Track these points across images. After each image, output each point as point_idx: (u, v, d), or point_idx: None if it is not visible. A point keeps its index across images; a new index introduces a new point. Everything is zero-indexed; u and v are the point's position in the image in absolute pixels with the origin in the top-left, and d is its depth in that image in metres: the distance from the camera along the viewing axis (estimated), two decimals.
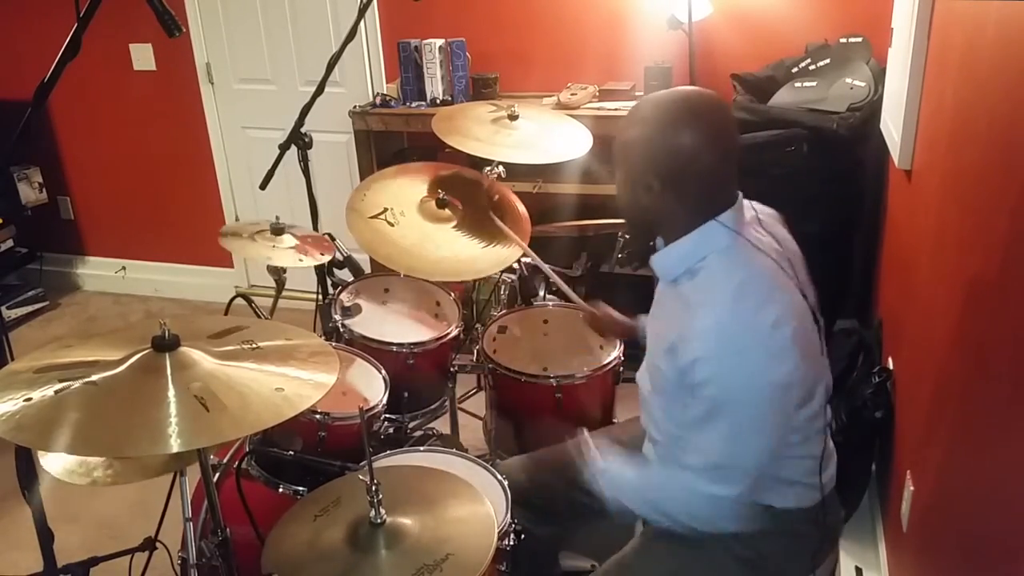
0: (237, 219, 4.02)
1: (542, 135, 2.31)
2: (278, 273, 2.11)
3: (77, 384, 1.18)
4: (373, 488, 1.28)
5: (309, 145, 2.20)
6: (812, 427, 1.45)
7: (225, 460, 1.77)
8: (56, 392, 1.16)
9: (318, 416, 1.71)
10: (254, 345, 1.34)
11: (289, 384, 1.26)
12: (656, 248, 1.47)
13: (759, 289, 1.34)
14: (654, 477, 1.50)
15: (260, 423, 1.18)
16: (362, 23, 2.13)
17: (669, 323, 1.42)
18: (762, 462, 1.37)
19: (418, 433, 2.13)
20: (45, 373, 1.21)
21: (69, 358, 1.27)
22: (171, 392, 1.17)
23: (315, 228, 2.29)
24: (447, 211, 2.15)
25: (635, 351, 2.04)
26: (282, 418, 1.19)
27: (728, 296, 1.32)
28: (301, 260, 2.03)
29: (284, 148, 2.17)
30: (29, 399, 1.14)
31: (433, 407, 2.17)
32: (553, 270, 2.13)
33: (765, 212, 1.52)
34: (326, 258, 2.09)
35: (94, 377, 1.20)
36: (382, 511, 1.29)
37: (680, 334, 1.35)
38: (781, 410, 1.35)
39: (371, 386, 1.90)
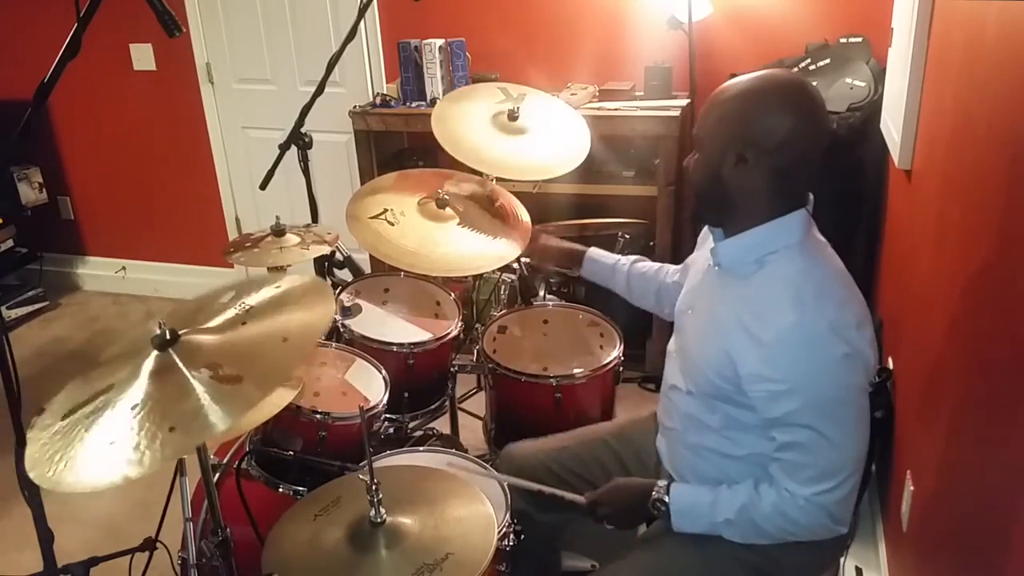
0: (237, 219, 4.03)
1: (543, 136, 2.29)
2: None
3: (107, 411, 1.18)
4: (373, 488, 1.28)
5: (309, 145, 2.19)
6: None
7: (225, 460, 1.77)
8: (86, 430, 1.16)
9: (318, 416, 1.71)
10: (247, 306, 1.33)
11: (292, 329, 1.25)
12: (711, 238, 1.46)
13: (840, 286, 1.32)
14: (740, 502, 1.39)
15: (281, 376, 1.20)
16: (362, 23, 2.13)
17: (730, 324, 1.35)
18: (862, 457, 1.34)
19: (418, 433, 2.13)
20: (71, 416, 1.20)
21: (86, 394, 1.26)
22: (191, 381, 1.17)
23: None
24: (447, 210, 2.15)
25: (634, 351, 2.06)
26: (299, 361, 1.20)
27: (810, 295, 1.28)
28: (306, 252, 2.02)
29: (284, 148, 2.17)
30: (69, 443, 1.15)
31: (433, 407, 2.17)
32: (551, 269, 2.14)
33: None
34: (330, 249, 2.09)
35: (120, 399, 1.19)
36: (382, 511, 1.29)
37: (752, 339, 1.30)
38: (866, 404, 1.33)
39: (371, 386, 1.90)
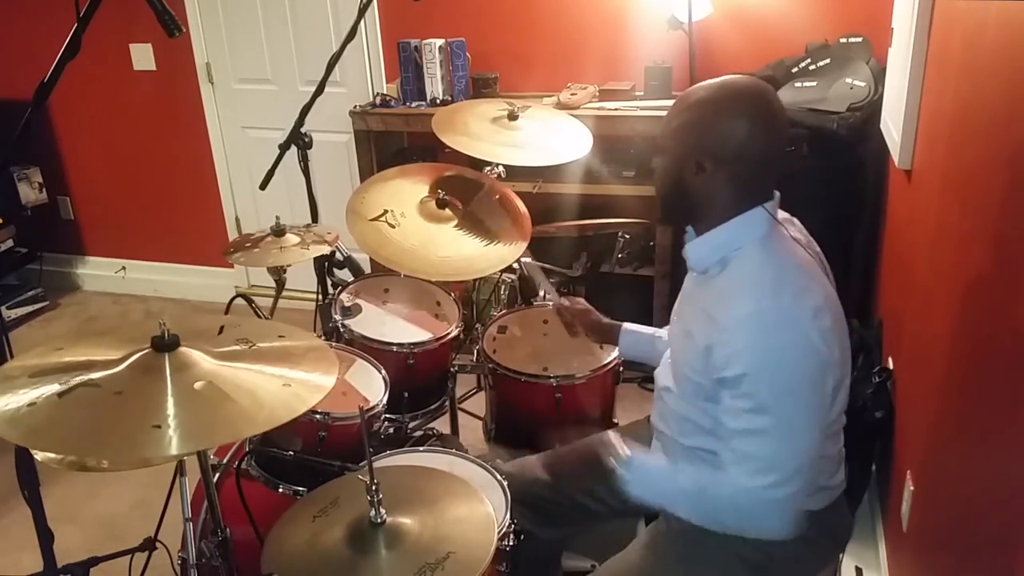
0: (237, 219, 4.03)
1: (543, 136, 2.31)
2: (278, 273, 2.11)
3: (79, 386, 1.17)
4: (373, 488, 1.28)
5: (309, 145, 2.19)
6: (831, 428, 1.44)
7: (225, 460, 1.77)
8: (59, 395, 1.16)
9: (318, 416, 1.71)
10: (251, 344, 1.34)
11: (293, 381, 1.26)
12: (685, 240, 1.46)
13: (798, 277, 1.33)
14: (701, 480, 1.40)
15: (274, 419, 1.18)
16: (362, 23, 2.13)
17: (699, 320, 1.38)
18: (812, 456, 1.34)
19: (418, 433, 2.13)
20: (43, 376, 1.20)
21: (64, 359, 1.26)
22: (178, 391, 1.18)
23: None
24: (447, 211, 2.15)
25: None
26: (295, 413, 1.19)
27: (767, 284, 1.30)
28: (306, 252, 2.02)
29: (284, 148, 2.17)
30: (33, 403, 1.14)
31: (433, 407, 2.17)
32: (550, 268, 2.13)
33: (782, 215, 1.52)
34: (330, 248, 2.09)
35: (95, 376, 1.19)
36: (382, 511, 1.29)
37: (715, 328, 1.32)
38: (821, 401, 1.33)
39: (371, 386, 1.89)
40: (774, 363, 1.29)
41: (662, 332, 1.79)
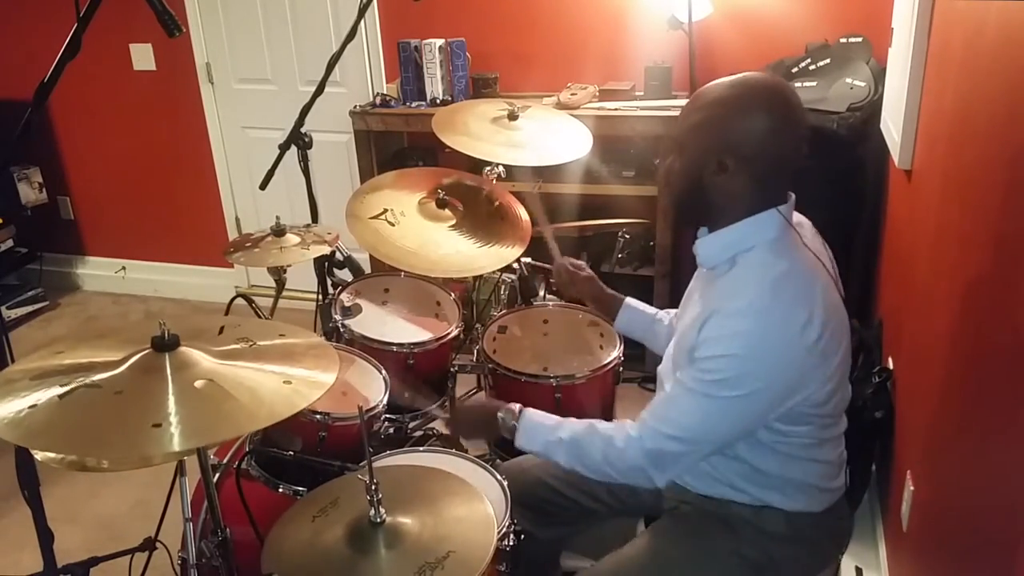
0: (237, 219, 4.03)
1: (543, 136, 2.31)
2: (278, 273, 2.11)
3: (79, 387, 1.18)
4: (373, 487, 1.28)
5: (309, 145, 2.19)
6: (828, 433, 1.44)
7: (225, 460, 1.77)
8: (60, 397, 1.16)
9: (318, 416, 1.71)
10: (252, 343, 1.34)
11: (294, 378, 1.26)
12: (697, 236, 1.46)
13: (797, 284, 1.33)
14: (580, 431, 1.46)
15: (275, 415, 1.17)
16: (362, 23, 2.13)
17: (702, 316, 1.38)
18: (712, 449, 1.38)
19: (418, 433, 2.13)
20: (44, 379, 1.20)
21: (65, 361, 1.26)
22: (178, 390, 1.18)
23: None
24: (447, 211, 2.15)
25: (634, 351, 2.06)
26: (296, 409, 1.19)
27: (768, 285, 1.30)
28: (306, 252, 2.02)
29: (284, 148, 2.17)
30: (34, 406, 1.14)
31: (433, 407, 2.16)
32: (550, 268, 2.13)
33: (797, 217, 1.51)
34: (330, 248, 2.09)
35: (95, 378, 1.19)
36: (382, 511, 1.29)
37: (710, 317, 1.32)
38: (761, 416, 1.34)
39: (371, 386, 1.89)
40: (748, 362, 1.29)
41: (663, 315, 1.79)
